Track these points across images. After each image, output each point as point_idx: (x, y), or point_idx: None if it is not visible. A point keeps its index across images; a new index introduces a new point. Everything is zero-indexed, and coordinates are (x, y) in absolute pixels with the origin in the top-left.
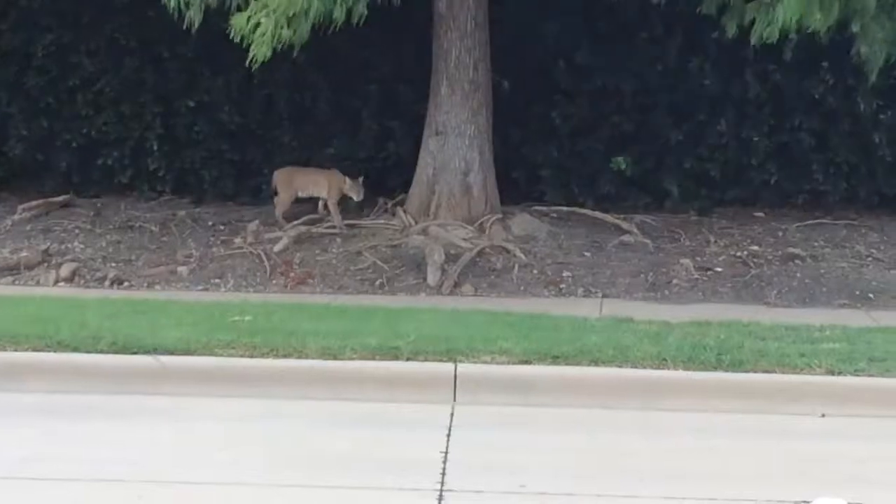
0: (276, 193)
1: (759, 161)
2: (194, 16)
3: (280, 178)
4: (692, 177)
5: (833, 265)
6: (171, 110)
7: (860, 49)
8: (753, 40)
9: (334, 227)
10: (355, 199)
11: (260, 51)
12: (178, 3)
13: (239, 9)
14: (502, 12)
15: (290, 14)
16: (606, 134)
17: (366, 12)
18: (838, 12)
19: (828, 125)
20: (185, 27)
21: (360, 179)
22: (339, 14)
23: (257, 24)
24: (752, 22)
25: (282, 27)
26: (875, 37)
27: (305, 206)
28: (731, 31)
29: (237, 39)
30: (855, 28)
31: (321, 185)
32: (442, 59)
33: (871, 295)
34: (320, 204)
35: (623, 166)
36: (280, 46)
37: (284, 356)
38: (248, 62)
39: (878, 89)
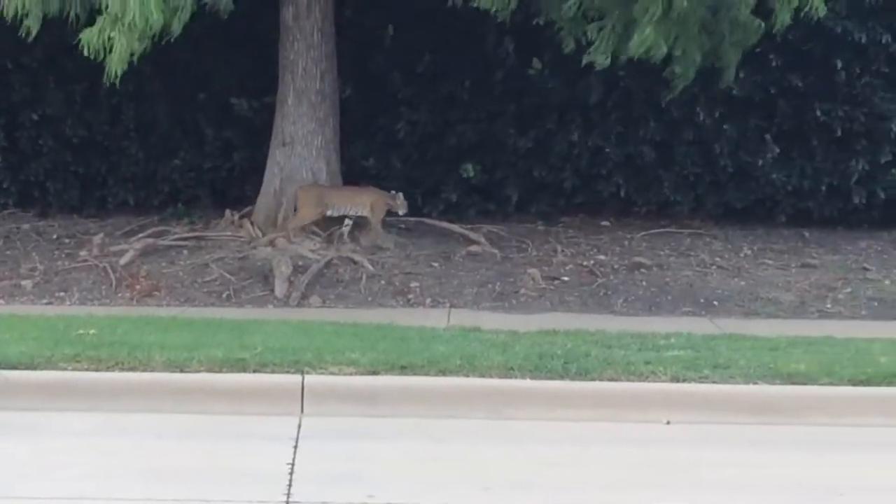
0: (296, 209)
1: (607, 170)
2: (32, 25)
3: (305, 195)
4: (539, 185)
5: (678, 273)
6: (15, 123)
7: (675, 69)
8: (587, 59)
9: (181, 239)
10: (401, 212)
11: (116, 67)
12: (17, 11)
13: (79, 19)
14: (348, 23)
15: (143, 28)
16: (451, 143)
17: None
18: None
19: (673, 135)
20: (25, 37)
21: (401, 194)
22: (176, 26)
23: (110, 40)
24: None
25: (135, 41)
26: (691, 57)
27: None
28: (569, 47)
29: (92, 56)
30: (677, 52)
31: (362, 203)
32: (289, 69)
33: (715, 303)
34: (346, 222)
35: (472, 173)
36: (133, 60)
37: (130, 369)
38: (105, 78)
39: (718, 99)
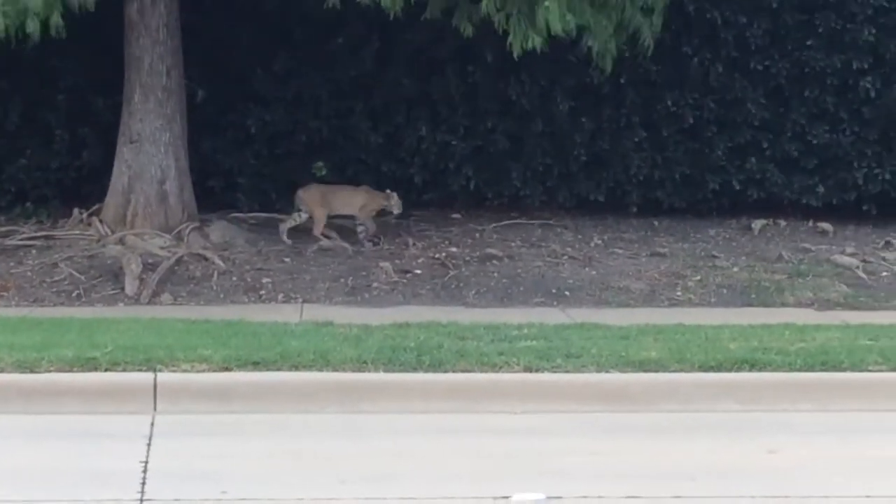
0: (298, 210)
1: (455, 164)
2: None
3: (309, 196)
4: (391, 180)
5: (529, 264)
6: None
7: (589, 44)
8: (516, 52)
9: (30, 238)
10: (395, 212)
11: None
12: None
13: None
14: (197, 19)
15: None
16: (304, 140)
17: (61, 23)
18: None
19: (524, 127)
20: None
21: (395, 193)
22: (33, 27)
23: None
24: (504, 32)
25: None
26: (605, 31)
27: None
28: (467, 31)
29: None
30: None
31: (355, 203)
32: (134, 66)
33: (567, 292)
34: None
35: (323, 172)
36: None
37: None
38: None
39: (571, 90)
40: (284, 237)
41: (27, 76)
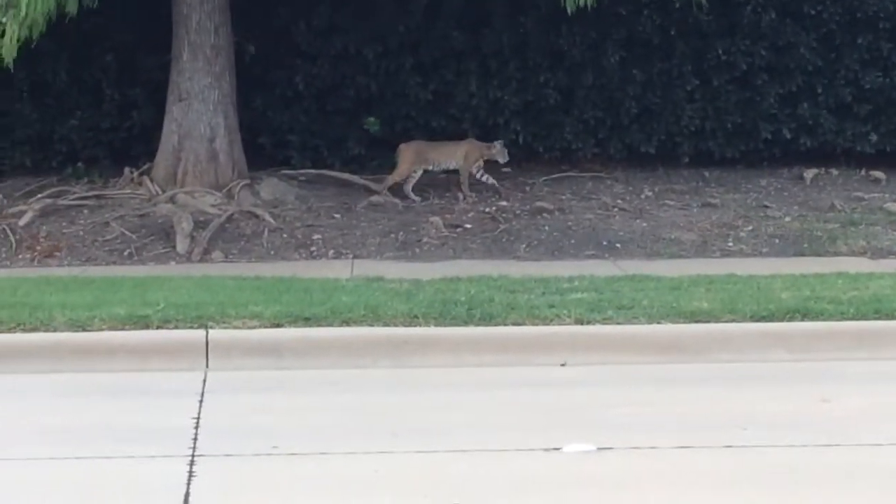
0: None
1: (505, 119)
2: None
3: (405, 152)
4: (442, 135)
5: (580, 217)
6: None
7: None
8: (570, 7)
9: (81, 198)
10: (501, 161)
11: (7, 52)
12: None
13: None
14: None
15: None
16: (352, 95)
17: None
18: None
19: (574, 80)
20: None
21: (500, 142)
22: (72, 7)
23: (2, 28)
24: None
25: (28, 27)
26: None
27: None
28: None
29: None
30: None
31: (456, 156)
32: (182, 24)
33: (617, 245)
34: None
35: (376, 127)
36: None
37: (31, 330)
38: None
39: (621, 42)
40: (411, 196)
41: (76, 36)
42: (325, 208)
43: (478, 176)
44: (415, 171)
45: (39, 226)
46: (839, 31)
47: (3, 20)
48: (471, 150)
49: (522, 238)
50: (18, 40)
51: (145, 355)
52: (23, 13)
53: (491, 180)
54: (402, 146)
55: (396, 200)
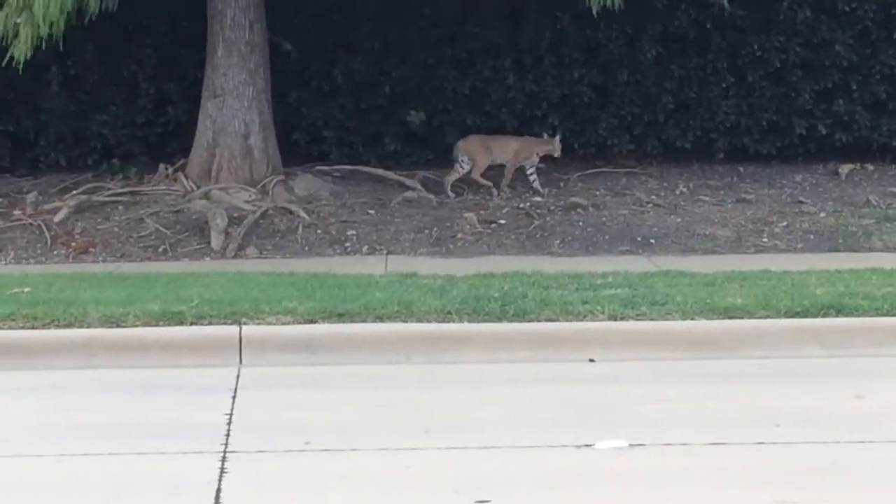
0: (459, 161)
1: (542, 113)
2: None
3: (471, 145)
4: (475, 131)
5: (614, 213)
6: None
7: None
8: (595, 8)
9: (116, 194)
10: (556, 155)
11: (20, 52)
12: None
13: None
14: None
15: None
16: (388, 91)
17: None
18: None
19: (610, 75)
20: None
21: (557, 136)
22: (94, 6)
23: (15, 26)
24: None
25: (38, 26)
26: None
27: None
28: None
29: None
30: None
31: (511, 149)
32: (217, 20)
33: (651, 241)
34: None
35: (420, 120)
36: (42, 43)
37: (66, 326)
38: (5, 62)
39: (655, 37)
40: (448, 190)
41: (110, 30)
42: (359, 204)
43: (529, 172)
44: (463, 166)
45: (74, 222)
46: (874, 28)
47: (18, 21)
48: (528, 146)
49: (556, 234)
50: (33, 40)
51: (179, 351)
52: (37, 17)
53: (537, 184)
54: (465, 141)
55: (430, 196)
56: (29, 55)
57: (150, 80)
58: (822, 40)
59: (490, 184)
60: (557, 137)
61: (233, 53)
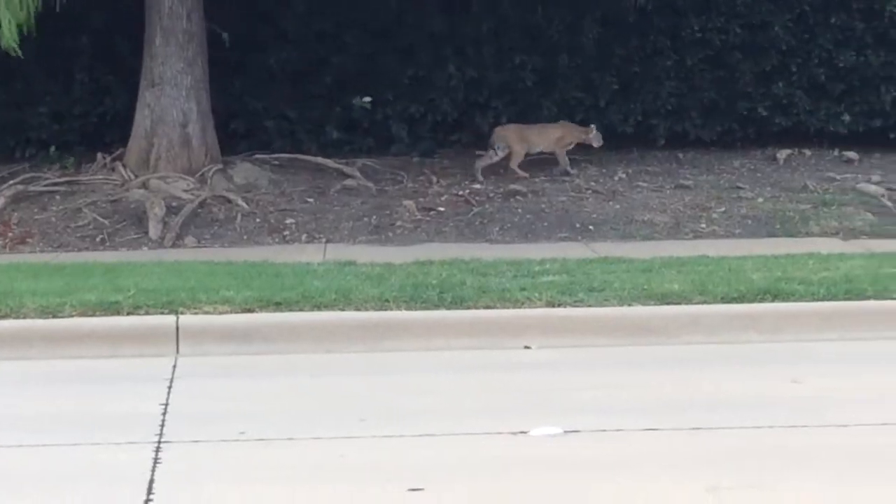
0: (494, 148)
1: (484, 99)
2: None
3: (508, 133)
4: (419, 118)
5: (553, 199)
6: None
7: None
8: None
9: (53, 184)
10: (595, 145)
11: (12, 40)
12: None
13: None
14: None
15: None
16: (329, 81)
17: None
18: None
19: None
20: None
21: (593, 126)
22: None
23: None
24: None
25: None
26: None
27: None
28: None
29: None
30: None
31: (551, 137)
32: (155, 9)
33: (590, 227)
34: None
35: (366, 105)
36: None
37: (2, 317)
38: None
39: (597, 20)
40: (479, 175)
41: (46, 20)
42: (298, 192)
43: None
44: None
45: (11, 212)
46: (812, 11)
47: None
48: (566, 134)
49: (495, 221)
50: (19, 25)
51: (116, 342)
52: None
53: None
54: (500, 129)
55: (370, 184)
56: (18, 40)
57: (86, 71)
58: (761, 22)
59: (526, 175)
60: (594, 127)
61: (171, 42)
